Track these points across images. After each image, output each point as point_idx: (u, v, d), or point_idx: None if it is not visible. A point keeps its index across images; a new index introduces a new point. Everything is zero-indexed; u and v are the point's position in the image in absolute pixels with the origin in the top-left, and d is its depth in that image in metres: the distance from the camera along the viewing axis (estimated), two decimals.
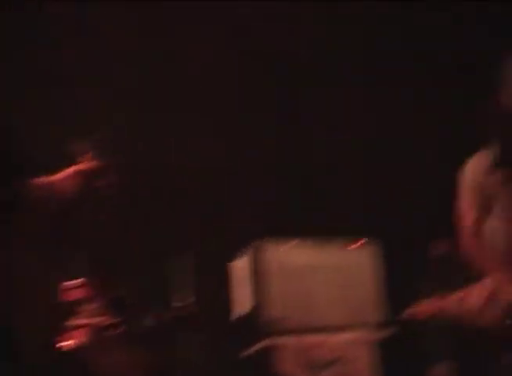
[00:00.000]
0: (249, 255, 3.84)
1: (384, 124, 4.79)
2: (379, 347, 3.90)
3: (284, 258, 3.83)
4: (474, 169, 2.81)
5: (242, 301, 3.90)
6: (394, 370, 3.93)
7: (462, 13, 4.72)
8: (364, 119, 4.79)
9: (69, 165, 2.65)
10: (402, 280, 4.12)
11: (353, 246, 4.02)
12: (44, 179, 2.56)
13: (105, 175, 2.71)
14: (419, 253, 4.20)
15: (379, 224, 4.28)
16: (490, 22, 4.68)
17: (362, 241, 4.02)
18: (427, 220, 4.31)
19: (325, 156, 4.77)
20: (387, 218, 4.53)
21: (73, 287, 3.03)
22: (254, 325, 3.78)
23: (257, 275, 3.78)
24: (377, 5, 4.71)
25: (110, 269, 3.45)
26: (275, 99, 4.80)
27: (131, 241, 4.16)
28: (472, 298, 2.74)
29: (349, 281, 3.97)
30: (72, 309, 3.01)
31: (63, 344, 2.79)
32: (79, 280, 3.07)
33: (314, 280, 3.89)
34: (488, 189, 2.41)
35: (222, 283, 4.02)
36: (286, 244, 3.88)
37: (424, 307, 3.69)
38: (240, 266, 3.91)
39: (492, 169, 2.27)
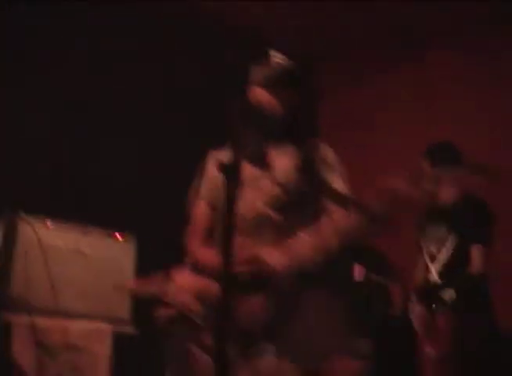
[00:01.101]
0: (2, 228, 3.74)
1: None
2: (119, 341, 3.93)
3: (40, 237, 3.75)
4: (212, 165, 2.82)
5: None
6: (129, 366, 3.98)
7: None
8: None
9: None
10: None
11: (111, 238, 4.05)
12: None
13: None
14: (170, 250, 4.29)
15: (137, 220, 4.33)
16: None
17: (120, 235, 4.06)
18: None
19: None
20: (146, 216, 4.62)
21: None
22: None
23: (7, 248, 3.69)
24: None
25: None
26: None
27: None
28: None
29: (102, 272, 3.99)
30: None
31: None
32: None
33: (67, 265, 3.86)
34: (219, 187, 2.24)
35: None
36: (44, 223, 3.81)
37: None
38: None
39: (221, 167, 1.99)
